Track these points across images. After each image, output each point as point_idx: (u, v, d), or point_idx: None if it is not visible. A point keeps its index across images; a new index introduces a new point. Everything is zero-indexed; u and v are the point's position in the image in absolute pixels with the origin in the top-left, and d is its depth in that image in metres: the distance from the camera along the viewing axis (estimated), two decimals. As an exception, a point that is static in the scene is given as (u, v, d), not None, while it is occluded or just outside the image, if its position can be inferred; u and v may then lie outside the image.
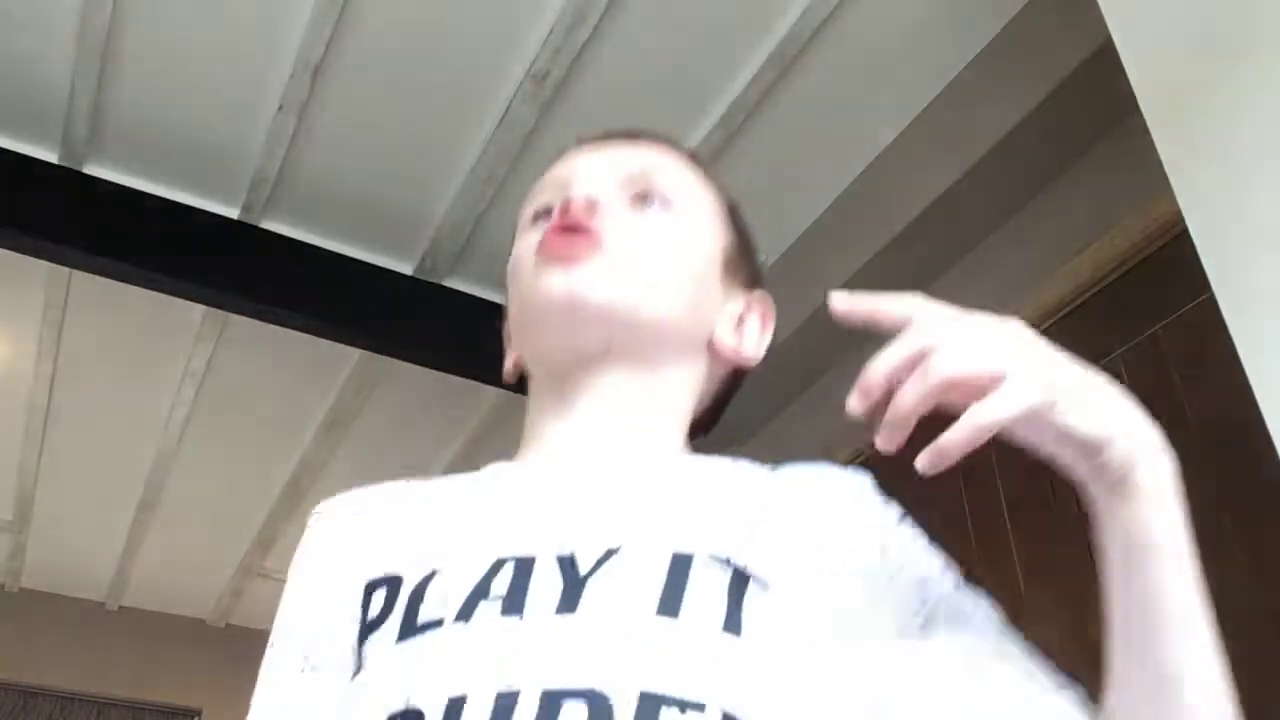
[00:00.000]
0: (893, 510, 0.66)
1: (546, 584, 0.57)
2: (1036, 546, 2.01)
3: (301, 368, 3.05)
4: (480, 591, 0.57)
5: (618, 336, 0.67)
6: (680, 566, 0.57)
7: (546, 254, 0.66)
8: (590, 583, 0.57)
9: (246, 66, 2.26)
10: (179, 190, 2.53)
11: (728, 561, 0.57)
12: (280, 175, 2.48)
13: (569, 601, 0.56)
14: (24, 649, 4.05)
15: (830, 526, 0.63)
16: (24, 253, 2.39)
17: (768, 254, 2.63)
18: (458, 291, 2.79)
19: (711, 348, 0.72)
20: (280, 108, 2.30)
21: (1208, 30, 1.27)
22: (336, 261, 2.66)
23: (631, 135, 0.76)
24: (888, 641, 0.59)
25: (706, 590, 0.56)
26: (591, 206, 0.67)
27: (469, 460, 3.37)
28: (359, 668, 0.58)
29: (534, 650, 0.54)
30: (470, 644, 0.55)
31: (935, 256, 2.34)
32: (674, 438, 0.71)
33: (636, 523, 0.61)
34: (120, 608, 4.30)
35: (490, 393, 3.09)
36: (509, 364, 0.76)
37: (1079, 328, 2.04)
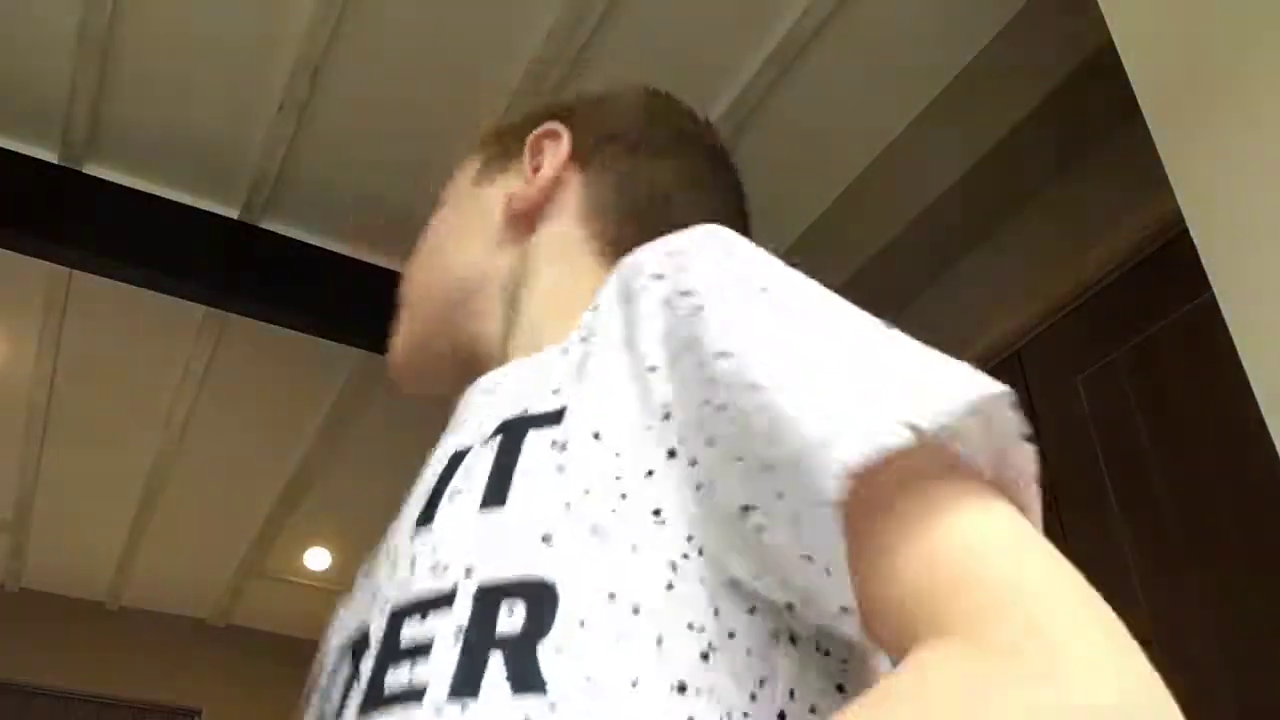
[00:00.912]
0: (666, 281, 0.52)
1: (417, 498, 0.58)
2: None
3: (301, 368, 3.05)
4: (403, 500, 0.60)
5: (424, 349, 0.76)
6: (456, 461, 0.55)
7: None
8: (432, 498, 0.56)
9: (246, 66, 2.26)
10: (179, 190, 2.53)
11: (509, 427, 0.52)
12: (280, 175, 2.48)
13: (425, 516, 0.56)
14: (24, 649, 4.05)
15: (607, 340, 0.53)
16: (24, 253, 2.39)
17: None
18: (458, 291, 2.79)
19: (517, 222, 0.73)
20: (280, 108, 2.30)
21: (1208, 30, 1.28)
22: (336, 261, 2.66)
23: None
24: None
25: (478, 470, 0.52)
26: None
27: (469, 460, 3.37)
28: None
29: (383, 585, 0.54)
30: (371, 578, 0.58)
31: (935, 257, 2.34)
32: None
33: (472, 422, 0.59)
34: (120, 608, 4.30)
35: (490, 393, 3.08)
36: None
37: (1079, 328, 2.05)
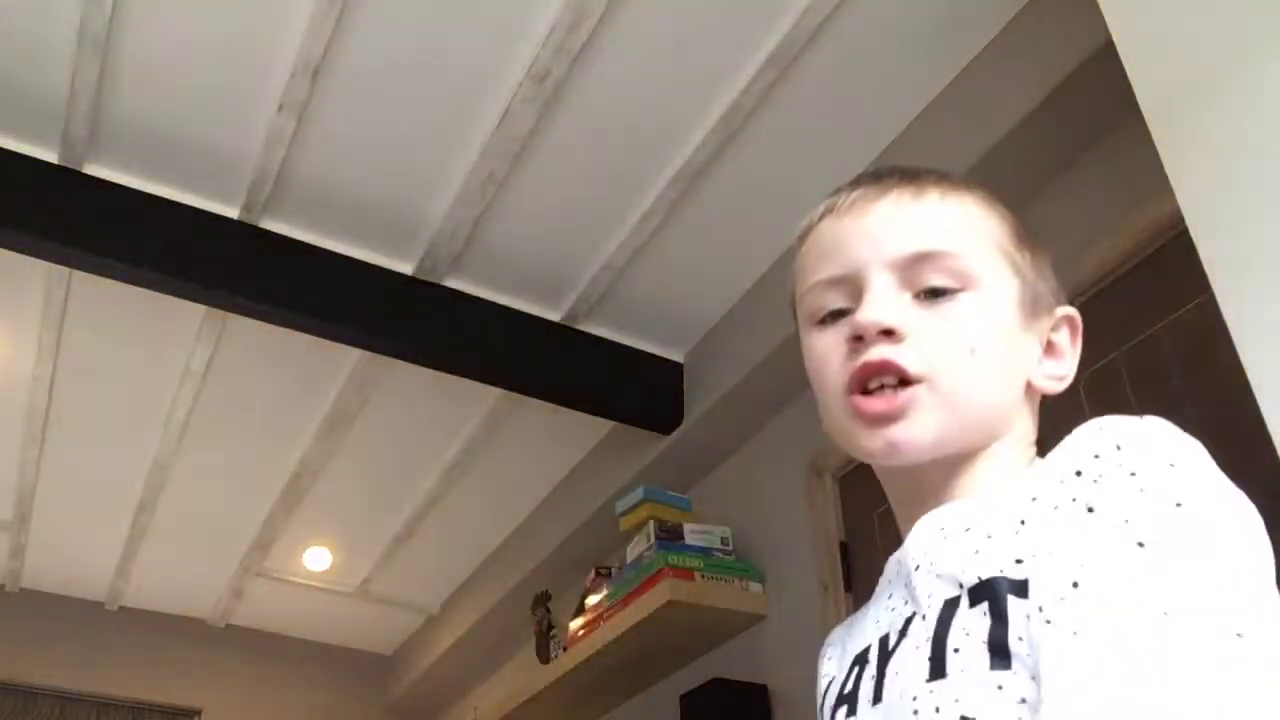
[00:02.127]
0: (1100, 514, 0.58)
1: (868, 675, 0.65)
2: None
3: (301, 368, 3.05)
4: (839, 696, 0.68)
5: (953, 458, 0.70)
6: (946, 616, 0.60)
7: (867, 416, 0.68)
8: (889, 666, 0.64)
9: (246, 66, 2.26)
10: (179, 190, 2.53)
11: (987, 587, 0.59)
12: (280, 175, 2.48)
13: (877, 691, 0.64)
14: (24, 649, 4.05)
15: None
16: (24, 253, 2.39)
17: (768, 256, 2.64)
18: (458, 291, 2.79)
19: (1029, 391, 0.74)
20: (280, 108, 2.30)
21: (1208, 30, 1.27)
22: (336, 261, 2.66)
23: (888, 187, 0.74)
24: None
25: (969, 631, 0.58)
26: (891, 335, 0.68)
27: (469, 460, 3.37)
28: None
29: None
30: None
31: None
32: (1009, 480, 0.70)
33: (926, 585, 0.65)
34: (120, 608, 4.30)
35: (490, 393, 3.09)
36: (827, 429, 0.78)
37: (1079, 328, 2.04)
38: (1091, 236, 2.01)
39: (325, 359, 3.00)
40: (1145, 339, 1.89)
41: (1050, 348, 0.75)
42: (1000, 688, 0.55)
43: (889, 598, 0.71)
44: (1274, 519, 1.67)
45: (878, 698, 0.63)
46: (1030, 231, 0.77)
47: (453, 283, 2.79)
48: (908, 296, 0.69)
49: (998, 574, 0.59)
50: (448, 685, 4.30)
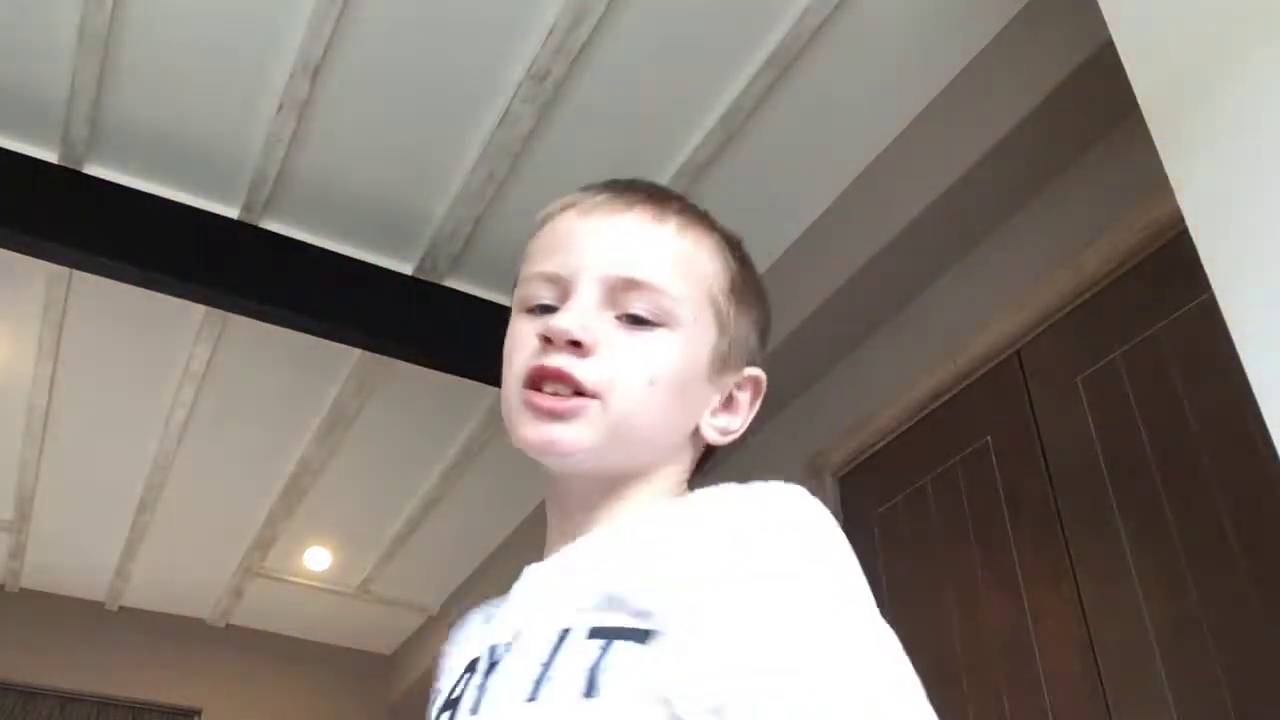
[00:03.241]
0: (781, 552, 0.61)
1: (473, 683, 0.65)
2: (1037, 546, 2.01)
3: (301, 368, 3.05)
4: (449, 698, 0.68)
5: (604, 477, 0.71)
6: (557, 646, 0.61)
7: (534, 408, 0.69)
8: (491, 679, 0.64)
9: (246, 66, 2.26)
10: (179, 190, 2.53)
11: (608, 626, 0.61)
12: (280, 175, 2.48)
13: (474, 702, 0.64)
14: (24, 649, 4.05)
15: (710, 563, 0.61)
16: (24, 253, 2.39)
17: (768, 257, 2.64)
18: (458, 291, 2.79)
19: (695, 435, 0.75)
20: (280, 108, 2.30)
21: (1208, 30, 1.28)
22: (336, 261, 2.66)
23: (629, 200, 0.74)
24: None
25: (575, 660, 0.60)
26: (578, 348, 0.68)
27: (469, 460, 3.37)
28: None
29: None
30: None
31: (935, 257, 2.34)
32: (655, 501, 0.73)
33: (545, 602, 0.67)
34: (120, 608, 4.30)
35: (490, 393, 3.09)
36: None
37: (1079, 328, 2.05)
38: (1091, 236, 2.01)
39: (325, 359, 3.00)
40: (1145, 339, 1.89)
41: (729, 402, 0.75)
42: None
43: (508, 608, 0.72)
44: (1274, 519, 1.68)
45: (475, 710, 0.64)
46: (750, 287, 0.79)
47: (453, 283, 2.79)
48: (610, 315, 0.70)
49: (619, 624, 0.61)
50: (448, 685, 4.30)
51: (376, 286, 2.70)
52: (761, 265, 2.98)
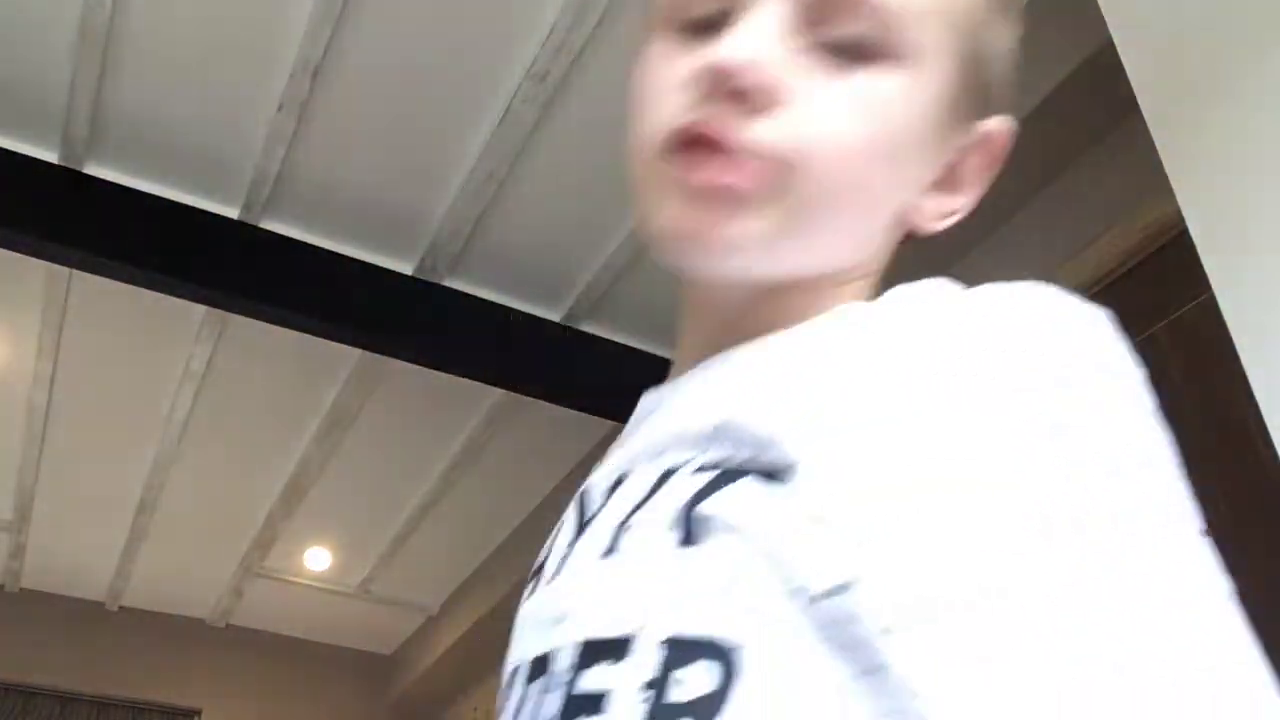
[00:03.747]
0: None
1: (559, 543, 0.49)
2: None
3: (301, 368, 3.05)
4: (551, 546, 0.51)
5: (771, 277, 0.49)
6: (659, 482, 0.44)
7: (687, 187, 0.46)
8: (582, 537, 0.47)
9: (246, 66, 2.26)
10: (179, 190, 2.53)
11: (712, 463, 0.42)
12: (280, 175, 2.48)
13: (556, 565, 0.48)
14: (24, 649, 4.05)
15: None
16: (24, 253, 2.39)
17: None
18: (458, 291, 2.79)
19: (900, 218, 0.52)
20: (280, 108, 2.30)
21: (1208, 30, 1.28)
22: (336, 261, 2.66)
23: None
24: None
25: (668, 501, 0.42)
26: (759, 104, 0.44)
27: (469, 460, 3.37)
28: None
29: (541, 612, 0.46)
30: (524, 611, 0.49)
31: (935, 257, 2.34)
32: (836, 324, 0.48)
33: (651, 442, 0.47)
34: (120, 608, 4.30)
35: (490, 393, 3.09)
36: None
37: (1079, 328, 2.05)
38: (1091, 237, 2.01)
39: (325, 359, 3.00)
40: (1145, 339, 1.89)
41: (950, 173, 0.52)
42: (679, 573, 0.40)
43: (616, 450, 0.53)
44: (1274, 518, 1.68)
45: (555, 574, 0.47)
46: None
47: (453, 283, 2.78)
48: (805, 44, 0.46)
49: (736, 458, 0.41)
50: (448, 685, 4.30)
51: (376, 286, 2.70)
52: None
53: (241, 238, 2.57)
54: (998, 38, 0.52)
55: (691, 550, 0.40)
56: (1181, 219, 1.25)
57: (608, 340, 2.95)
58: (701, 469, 0.42)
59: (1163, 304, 1.87)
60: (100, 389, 3.15)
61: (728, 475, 0.41)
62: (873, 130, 0.46)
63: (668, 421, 0.48)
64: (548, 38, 2.14)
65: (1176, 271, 1.84)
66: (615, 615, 0.41)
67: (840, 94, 0.46)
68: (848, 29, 0.46)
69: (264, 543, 3.83)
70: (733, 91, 0.44)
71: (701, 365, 0.50)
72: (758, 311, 0.49)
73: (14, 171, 2.38)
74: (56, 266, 2.65)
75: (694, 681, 0.37)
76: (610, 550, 0.44)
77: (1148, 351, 1.84)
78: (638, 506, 0.44)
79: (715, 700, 0.37)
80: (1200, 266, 1.21)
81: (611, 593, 0.42)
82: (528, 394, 2.87)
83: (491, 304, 2.82)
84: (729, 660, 0.37)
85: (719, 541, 0.40)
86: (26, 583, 4.14)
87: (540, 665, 0.44)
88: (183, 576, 4.13)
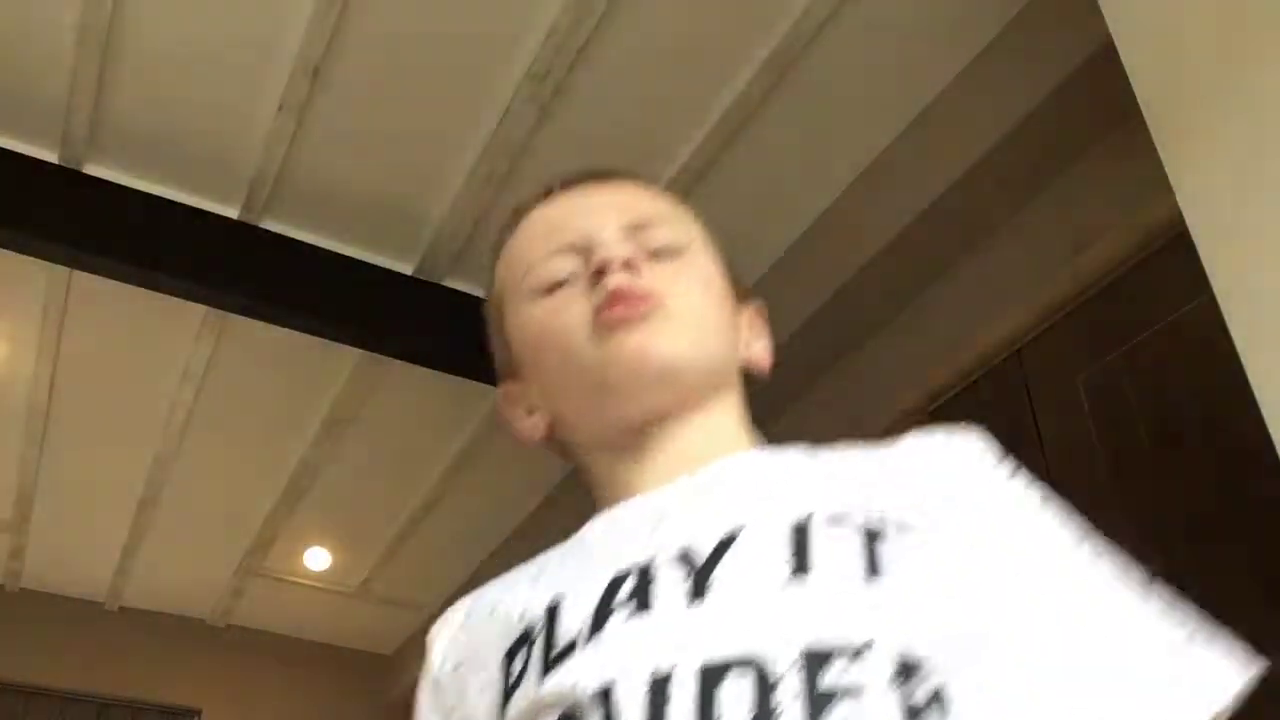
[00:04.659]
0: (1002, 469, 0.68)
1: (671, 580, 0.57)
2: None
3: (301, 368, 3.05)
4: (604, 608, 0.58)
5: (685, 390, 0.69)
6: (800, 533, 0.58)
7: (611, 321, 0.67)
8: (716, 570, 0.57)
9: (246, 67, 2.26)
10: (179, 190, 2.53)
11: (848, 518, 0.58)
12: (280, 175, 2.48)
13: (697, 590, 0.56)
14: (24, 649, 4.05)
15: (942, 482, 0.64)
16: (24, 253, 2.39)
17: (768, 258, 2.64)
18: (458, 291, 2.79)
19: (740, 366, 0.76)
20: (280, 108, 2.30)
21: (1208, 30, 1.28)
22: (336, 261, 2.66)
23: (607, 177, 0.79)
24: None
25: (834, 545, 0.57)
26: (631, 266, 0.69)
27: (469, 460, 3.37)
28: None
29: (676, 634, 0.54)
30: (607, 648, 0.55)
31: (935, 257, 2.34)
32: (743, 434, 0.73)
33: (746, 508, 0.61)
34: (120, 608, 4.30)
35: (490, 392, 3.08)
36: (537, 430, 0.76)
37: (1079, 328, 2.05)
38: (1091, 236, 2.01)
39: (325, 359, 3.00)
40: (1145, 339, 1.89)
41: (751, 330, 0.78)
42: (875, 603, 0.55)
43: (613, 543, 0.65)
44: (1274, 518, 1.68)
45: (698, 594, 0.57)
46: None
47: (452, 282, 2.79)
48: (641, 252, 0.71)
49: (881, 511, 0.60)
50: (448, 685, 4.30)
51: (376, 286, 2.70)
52: (762, 265, 2.99)
53: (241, 238, 2.57)
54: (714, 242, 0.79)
55: (881, 580, 0.56)
56: (1181, 219, 1.25)
57: (608, 340, 2.95)
58: (839, 521, 0.59)
59: (1163, 304, 1.87)
60: (100, 389, 3.15)
61: (873, 534, 0.58)
62: (700, 278, 0.72)
63: (737, 497, 0.64)
64: (547, 38, 2.14)
65: (1176, 271, 1.84)
66: (839, 628, 0.53)
67: (669, 271, 0.71)
68: (658, 240, 0.72)
69: (264, 543, 3.83)
70: (622, 264, 0.68)
71: (688, 476, 0.67)
72: (684, 425, 0.69)
73: (14, 171, 2.38)
74: (56, 266, 2.65)
75: (923, 684, 0.52)
76: (798, 572, 0.56)
77: (1148, 351, 1.84)
78: (799, 547, 0.57)
79: (942, 694, 0.52)
80: (1200, 266, 1.21)
81: (825, 609, 0.54)
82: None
83: (491, 304, 2.82)
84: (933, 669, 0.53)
85: (904, 572, 0.56)
86: (26, 583, 4.14)
87: (710, 675, 0.52)
88: (183, 576, 4.12)
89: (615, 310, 0.67)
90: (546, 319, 0.71)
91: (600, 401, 0.69)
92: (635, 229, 0.72)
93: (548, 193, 0.78)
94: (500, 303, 0.79)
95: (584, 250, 0.71)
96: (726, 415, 0.72)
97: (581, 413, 0.72)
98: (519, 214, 0.79)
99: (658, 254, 0.71)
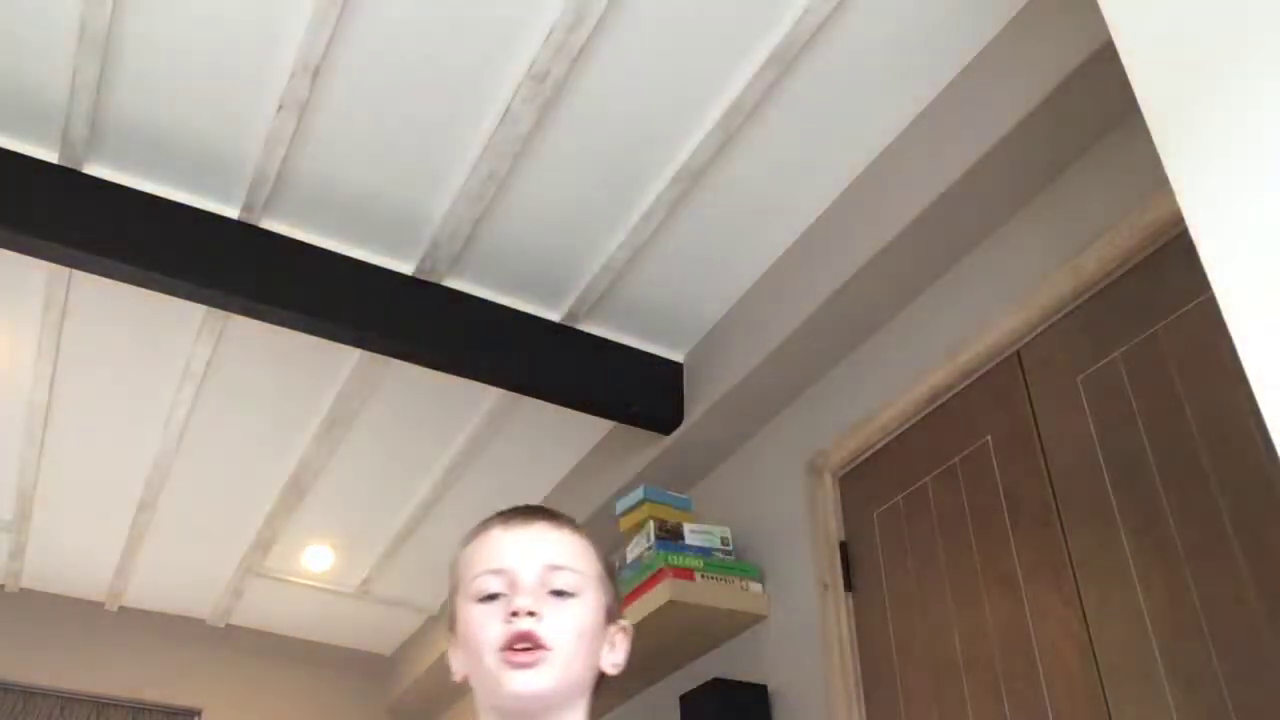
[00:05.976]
0: None
1: None
2: (1036, 546, 2.01)
3: (301, 368, 3.05)
4: None
5: (553, 702, 1.02)
6: None
7: (513, 664, 1.00)
8: None
9: (246, 67, 2.26)
10: (179, 190, 2.53)
11: None
12: (280, 175, 2.49)
13: None
14: (24, 649, 4.05)
15: None
16: (24, 253, 2.39)
17: (768, 257, 2.65)
18: (458, 291, 2.79)
19: (595, 666, 1.08)
20: (280, 108, 2.31)
21: (1208, 30, 1.27)
22: (336, 261, 2.66)
23: (538, 517, 1.10)
24: None
25: None
26: (535, 617, 1.01)
27: (469, 460, 3.37)
28: None
29: None
30: None
31: (935, 257, 2.35)
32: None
33: None
34: (120, 608, 4.31)
35: (490, 393, 3.09)
36: (457, 675, 1.07)
37: (1079, 328, 2.05)
38: (1091, 236, 2.01)
39: (325, 359, 3.00)
40: (1145, 339, 1.89)
41: (612, 645, 1.09)
42: None
43: None
44: (1275, 518, 1.68)
45: None
46: (609, 567, 1.14)
47: (453, 283, 2.79)
48: (545, 591, 1.03)
49: None
50: (448, 685, 4.30)
51: (376, 286, 2.70)
52: (762, 265, 3.00)
53: (241, 238, 2.58)
54: (612, 585, 1.12)
55: None
56: (1181, 219, 1.25)
57: (607, 340, 2.95)
58: None
59: (1163, 304, 1.87)
60: (100, 389, 3.15)
61: None
62: (578, 627, 1.04)
63: None
64: (548, 38, 2.14)
65: (1176, 271, 1.84)
66: None
67: (562, 612, 1.03)
68: (559, 584, 1.05)
69: (264, 543, 3.83)
70: (528, 613, 1.01)
71: None
72: (549, 709, 1.01)
73: (14, 171, 2.38)
74: (56, 266, 2.65)
75: None
76: None
77: (1148, 351, 1.85)
78: None
79: None
80: (1200, 266, 1.20)
81: None
82: (528, 394, 2.87)
83: (491, 304, 2.82)
84: None
85: None
86: (26, 583, 4.14)
87: None
88: (183, 576, 4.13)
89: (516, 656, 1.00)
90: (475, 626, 1.03)
91: (494, 694, 1.02)
92: (549, 570, 1.05)
93: (502, 516, 1.10)
94: (455, 586, 1.09)
95: (510, 577, 1.04)
96: (576, 711, 1.04)
97: (482, 690, 1.04)
98: (476, 531, 1.10)
99: (559, 593, 1.04)
